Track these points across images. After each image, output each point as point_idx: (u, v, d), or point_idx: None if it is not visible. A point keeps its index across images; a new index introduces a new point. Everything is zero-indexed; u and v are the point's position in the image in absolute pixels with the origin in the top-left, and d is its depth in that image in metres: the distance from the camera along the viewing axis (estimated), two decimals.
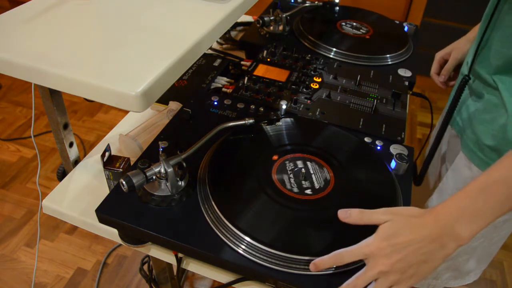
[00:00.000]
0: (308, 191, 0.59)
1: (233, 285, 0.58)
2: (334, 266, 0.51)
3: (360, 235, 0.54)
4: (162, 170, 0.55)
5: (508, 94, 0.66)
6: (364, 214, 0.51)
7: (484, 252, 0.87)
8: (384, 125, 0.75)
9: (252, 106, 0.76)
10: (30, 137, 1.97)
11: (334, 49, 0.96)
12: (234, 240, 0.52)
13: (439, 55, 0.95)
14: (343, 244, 0.53)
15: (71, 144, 0.76)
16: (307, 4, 1.16)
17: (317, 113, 0.77)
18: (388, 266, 0.46)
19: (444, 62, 0.94)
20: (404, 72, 0.93)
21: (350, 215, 0.51)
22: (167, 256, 0.62)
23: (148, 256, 0.90)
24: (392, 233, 0.47)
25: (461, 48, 0.89)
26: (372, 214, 0.51)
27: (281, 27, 1.04)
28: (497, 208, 0.47)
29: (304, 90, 0.83)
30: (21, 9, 0.59)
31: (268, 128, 0.70)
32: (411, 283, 0.47)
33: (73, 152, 0.77)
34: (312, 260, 0.51)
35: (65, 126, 0.73)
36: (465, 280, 0.94)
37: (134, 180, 0.53)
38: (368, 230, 0.55)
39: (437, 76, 0.96)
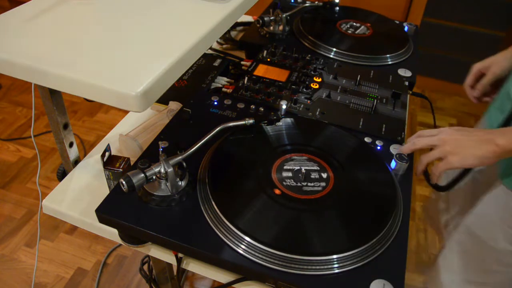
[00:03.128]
0: (308, 191, 0.59)
1: (233, 285, 0.58)
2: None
3: (360, 234, 0.54)
4: (162, 170, 0.55)
5: None
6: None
7: None
8: (384, 125, 0.75)
9: (252, 106, 0.76)
10: (30, 137, 1.96)
11: (334, 49, 0.96)
12: (234, 240, 0.52)
13: (476, 68, 0.88)
14: (342, 243, 0.53)
15: (71, 144, 0.76)
16: (307, 4, 1.16)
17: (317, 113, 0.77)
18: (448, 138, 0.64)
19: (481, 75, 0.88)
20: (404, 72, 0.93)
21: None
22: (167, 256, 0.62)
23: (148, 256, 0.90)
24: (458, 127, 0.66)
25: (501, 63, 0.84)
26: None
27: (281, 27, 1.04)
28: None
29: (304, 90, 0.83)
30: (21, 9, 0.59)
31: (268, 128, 0.70)
32: (456, 159, 0.62)
33: (73, 152, 0.77)
34: (311, 260, 0.51)
35: (65, 126, 0.73)
36: None
37: (134, 180, 0.53)
38: (370, 229, 0.55)
39: (470, 89, 0.90)
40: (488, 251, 0.84)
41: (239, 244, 0.52)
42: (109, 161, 0.66)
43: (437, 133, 0.66)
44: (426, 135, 0.67)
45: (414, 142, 0.67)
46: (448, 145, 0.63)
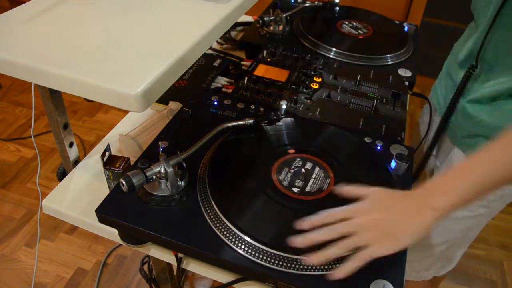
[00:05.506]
0: (308, 191, 0.59)
1: (233, 285, 0.58)
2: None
3: None
4: (162, 170, 0.55)
5: None
6: (352, 188, 0.54)
7: (468, 239, 0.90)
8: (384, 125, 0.75)
9: (252, 106, 0.76)
10: (30, 137, 1.97)
11: (334, 49, 0.96)
12: (234, 240, 0.52)
13: None
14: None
15: (71, 144, 0.76)
16: (307, 4, 1.16)
17: (317, 113, 0.77)
18: (368, 221, 0.49)
19: None
20: (404, 72, 0.93)
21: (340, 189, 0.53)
22: (167, 256, 0.62)
23: (148, 256, 0.90)
24: (376, 199, 0.52)
25: None
26: (359, 188, 0.53)
27: (281, 27, 1.04)
28: (473, 185, 0.49)
29: (304, 90, 0.83)
30: (21, 9, 0.59)
31: (268, 128, 0.70)
32: (387, 246, 0.48)
33: (73, 152, 0.77)
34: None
35: (65, 126, 0.73)
36: (450, 266, 0.98)
37: (134, 180, 0.53)
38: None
39: None
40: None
41: (239, 244, 0.52)
42: (109, 161, 0.66)
43: (351, 214, 0.50)
44: (336, 217, 0.50)
45: (314, 236, 0.49)
46: (370, 231, 0.48)
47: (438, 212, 0.49)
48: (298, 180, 0.61)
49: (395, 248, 0.48)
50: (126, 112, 0.96)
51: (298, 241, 0.49)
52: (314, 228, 0.50)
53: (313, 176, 0.62)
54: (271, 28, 1.04)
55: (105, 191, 0.69)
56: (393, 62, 0.97)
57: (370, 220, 0.49)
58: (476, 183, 0.49)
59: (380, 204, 0.51)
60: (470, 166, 0.51)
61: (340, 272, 0.48)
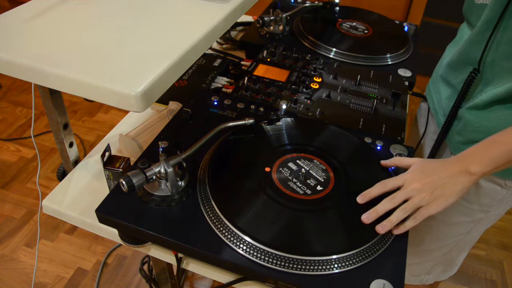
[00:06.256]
0: (308, 191, 0.59)
1: (233, 285, 0.58)
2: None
3: (360, 234, 0.54)
4: (162, 170, 0.55)
5: None
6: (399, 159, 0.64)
7: (469, 244, 0.91)
8: (384, 125, 0.75)
9: (252, 106, 0.76)
10: (30, 137, 1.96)
11: (334, 49, 0.96)
12: (234, 240, 0.52)
13: None
14: (342, 243, 0.53)
15: (71, 144, 0.76)
16: (307, 4, 1.16)
17: (317, 113, 0.77)
18: (420, 184, 0.57)
19: None
20: (404, 72, 0.93)
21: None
22: (167, 256, 0.62)
23: (148, 256, 0.90)
24: (422, 166, 0.60)
25: None
26: (404, 159, 0.63)
27: (281, 27, 1.04)
28: (504, 154, 0.58)
29: (304, 90, 0.83)
30: (21, 9, 0.59)
31: (268, 128, 0.70)
32: (438, 204, 0.57)
33: (73, 152, 0.77)
34: (311, 260, 0.51)
35: (65, 126, 0.73)
36: (452, 271, 0.98)
37: (134, 180, 0.53)
38: (370, 230, 0.55)
39: None
40: (437, 228, 0.87)
41: (239, 244, 0.52)
42: (109, 161, 0.66)
43: (403, 182, 0.58)
44: (390, 186, 0.59)
45: (380, 207, 0.57)
46: (424, 192, 0.56)
47: (474, 176, 0.57)
48: (298, 180, 0.61)
49: (444, 206, 0.57)
50: (126, 112, 0.96)
51: (366, 217, 0.56)
52: (371, 200, 0.58)
53: (313, 175, 0.62)
54: (271, 28, 1.04)
55: (105, 191, 0.69)
56: (393, 62, 0.97)
57: (421, 184, 0.57)
58: (507, 152, 0.57)
59: (424, 170, 0.59)
60: (500, 139, 0.59)
61: (400, 230, 0.56)
